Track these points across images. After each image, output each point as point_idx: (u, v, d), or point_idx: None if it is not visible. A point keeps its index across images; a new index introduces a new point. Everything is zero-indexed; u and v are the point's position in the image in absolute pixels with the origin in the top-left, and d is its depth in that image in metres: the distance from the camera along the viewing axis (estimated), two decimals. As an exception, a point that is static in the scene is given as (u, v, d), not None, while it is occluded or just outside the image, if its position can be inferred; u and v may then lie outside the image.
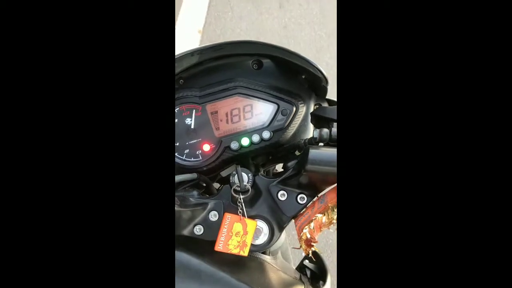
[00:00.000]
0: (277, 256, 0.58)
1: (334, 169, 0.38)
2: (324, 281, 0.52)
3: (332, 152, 0.38)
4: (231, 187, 0.44)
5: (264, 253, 0.55)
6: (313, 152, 0.37)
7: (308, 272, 0.58)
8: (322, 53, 1.93)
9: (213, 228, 0.44)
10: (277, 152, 0.53)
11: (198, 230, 0.44)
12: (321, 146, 0.40)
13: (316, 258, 0.60)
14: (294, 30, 2.00)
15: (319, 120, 0.47)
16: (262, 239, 0.45)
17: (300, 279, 0.50)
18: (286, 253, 0.76)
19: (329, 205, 0.39)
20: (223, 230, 0.43)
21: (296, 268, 0.57)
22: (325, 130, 0.40)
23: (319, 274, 0.56)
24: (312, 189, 0.42)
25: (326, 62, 1.88)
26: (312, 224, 0.40)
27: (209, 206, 0.44)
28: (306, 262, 0.63)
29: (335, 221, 0.42)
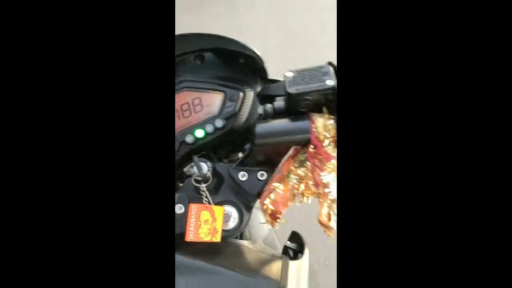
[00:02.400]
0: (257, 242, 0.59)
1: (282, 139, 0.39)
2: (302, 253, 0.53)
3: (276, 123, 0.40)
4: (192, 178, 0.45)
5: (242, 238, 0.56)
6: (259, 127, 0.39)
7: (291, 252, 0.59)
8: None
9: (180, 221, 0.44)
10: (234, 140, 0.54)
11: None
12: (268, 120, 0.42)
13: (296, 238, 0.62)
14: (246, 31, 2.04)
15: (265, 99, 0.49)
16: (233, 222, 0.46)
17: (280, 257, 0.51)
18: (273, 243, 0.77)
19: (284, 173, 0.41)
20: (191, 220, 0.44)
21: (282, 253, 0.59)
22: (269, 105, 0.42)
23: (300, 250, 0.57)
24: (269, 164, 0.44)
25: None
26: (272, 195, 0.42)
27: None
28: (288, 243, 0.64)
29: (297, 192, 0.44)
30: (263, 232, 0.76)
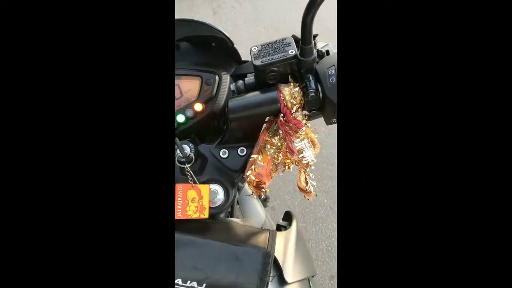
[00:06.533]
0: (250, 221, 0.61)
1: (254, 111, 0.42)
2: (291, 225, 0.55)
3: (247, 97, 0.42)
4: (175, 160, 0.47)
5: (232, 217, 0.58)
6: (231, 102, 0.41)
7: (283, 229, 0.61)
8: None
9: None
10: (218, 124, 0.56)
11: None
12: (240, 95, 0.44)
13: (288, 216, 0.64)
14: (233, 32, 2.07)
15: (238, 78, 0.51)
16: (220, 199, 0.48)
17: (268, 230, 0.54)
18: (270, 227, 0.79)
19: (261, 145, 0.43)
20: (178, 199, 0.46)
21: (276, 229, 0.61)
22: (240, 82, 0.44)
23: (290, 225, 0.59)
24: (248, 139, 0.46)
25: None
26: (253, 167, 0.44)
27: None
28: (280, 221, 0.66)
29: (277, 162, 0.46)
30: (260, 219, 0.77)
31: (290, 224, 0.59)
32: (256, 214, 0.79)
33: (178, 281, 0.39)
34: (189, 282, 0.39)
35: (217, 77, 0.52)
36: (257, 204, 0.81)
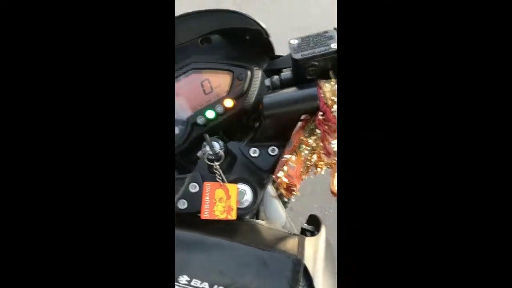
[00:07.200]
0: (275, 223, 0.58)
1: (290, 108, 0.39)
2: (319, 231, 0.53)
3: (284, 92, 0.39)
4: (204, 157, 0.45)
5: (258, 218, 0.56)
6: (266, 98, 0.39)
7: (309, 234, 0.59)
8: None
9: (195, 200, 0.44)
10: (247, 121, 0.54)
11: (182, 204, 0.44)
12: (276, 91, 0.42)
13: (313, 220, 0.62)
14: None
15: (272, 73, 0.49)
16: (248, 200, 0.46)
17: (296, 235, 0.51)
18: (291, 231, 0.77)
19: (295, 145, 0.41)
20: (206, 198, 0.44)
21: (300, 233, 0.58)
22: (276, 77, 0.42)
23: (317, 231, 0.57)
24: (280, 138, 0.44)
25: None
26: (285, 167, 0.41)
27: (187, 180, 0.45)
28: (305, 225, 0.64)
29: (310, 163, 0.43)
30: (281, 221, 0.75)
31: (316, 229, 0.57)
32: (278, 215, 0.77)
33: (205, 285, 0.37)
34: (215, 287, 0.38)
35: (249, 72, 0.49)
36: (278, 205, 0.79)
